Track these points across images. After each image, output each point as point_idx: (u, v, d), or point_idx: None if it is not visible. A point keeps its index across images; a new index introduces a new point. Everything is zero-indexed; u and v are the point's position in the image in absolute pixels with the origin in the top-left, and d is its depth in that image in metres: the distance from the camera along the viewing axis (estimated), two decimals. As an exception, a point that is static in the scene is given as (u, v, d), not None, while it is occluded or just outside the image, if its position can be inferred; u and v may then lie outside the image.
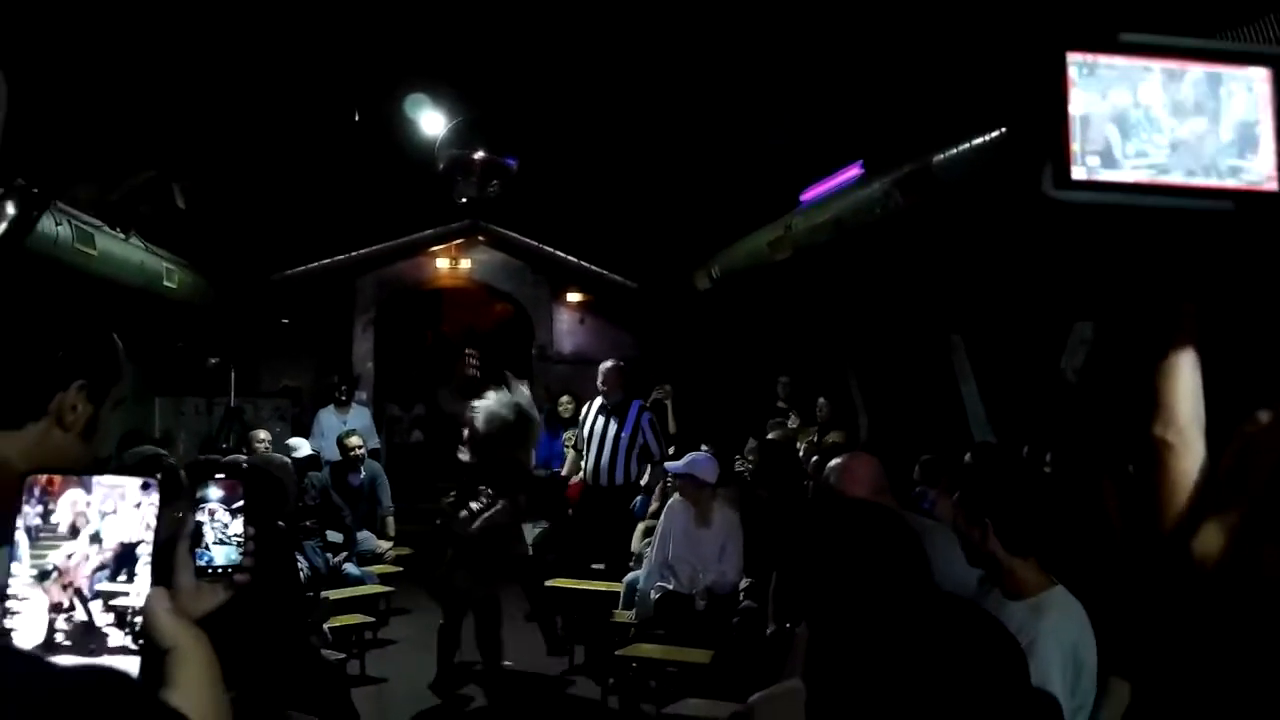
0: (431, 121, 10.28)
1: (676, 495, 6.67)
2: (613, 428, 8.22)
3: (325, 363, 13.22)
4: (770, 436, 8.08)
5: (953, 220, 6.82)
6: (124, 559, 1.42)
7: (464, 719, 6.55)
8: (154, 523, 1.44)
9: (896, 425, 8.96)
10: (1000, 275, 7.34)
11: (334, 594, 7.42)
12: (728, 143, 9.54)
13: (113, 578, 1.42)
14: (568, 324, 14.03)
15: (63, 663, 1.31)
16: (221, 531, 1.56)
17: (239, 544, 1.56)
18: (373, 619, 7.63)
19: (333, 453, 10.30)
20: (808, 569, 2.53)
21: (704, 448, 6.93)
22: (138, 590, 1.41)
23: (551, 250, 13.53)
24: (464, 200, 10.89)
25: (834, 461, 3.98)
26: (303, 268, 12.93)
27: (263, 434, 8.88)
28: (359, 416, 11.21)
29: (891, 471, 4.10)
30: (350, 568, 8.25)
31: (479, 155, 10.11)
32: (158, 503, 1.45)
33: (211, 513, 1.56)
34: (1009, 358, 7.86)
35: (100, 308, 1.73)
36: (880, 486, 3.71)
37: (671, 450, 9.36)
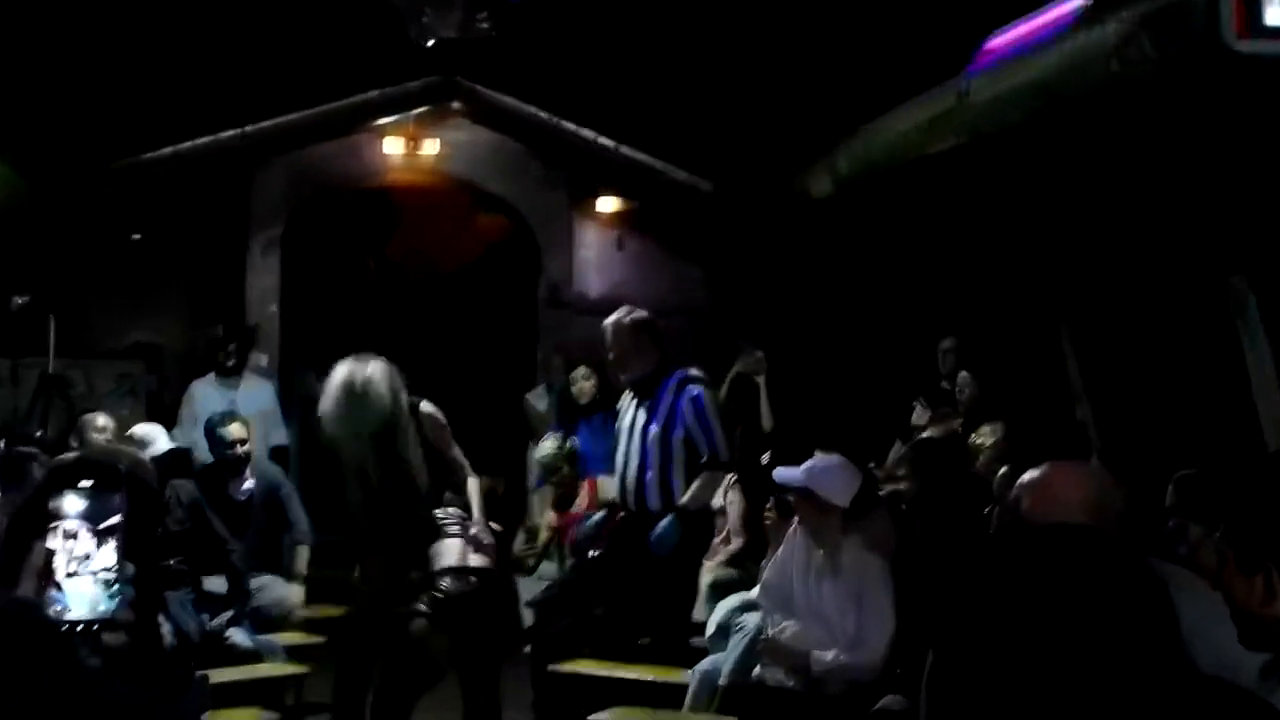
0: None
1: (795, 524, 6.76)
2: (640, 419, 8.28)
3: (202, 306, 13.38)
4: (927, 434, 8.12)
5: (1243, 91, 6.80)
6: None
7: None
8: None
9: (1137, 419, 8.97)
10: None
11: (215, 675, 7.57)
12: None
13: None
14: (597, 249, 14.10)
15: None
16: (82, 564, 1.61)
17: (110, 583, 1.61)
18: (276, 716, 7.78)
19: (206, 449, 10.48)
20: (982, 643, 2.59)
21: (826, 454, 6.98)
22: None
23: (573, 128, 13.58)
24: (433, 42, 10.95)
25: (1028, 475, 4.04)
26: (168, 150, 13.07)
27: (102, 419, 9.01)
28: (255, 393, 11.36)
29: (1127, 495, 4.15)
30: (239, 635, 8.41)
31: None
32: None
33: (70, 535, 1.61)
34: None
35: None
36: (1101, 514, 3.76)
37: (766, 458, 9.42)
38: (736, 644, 7.22)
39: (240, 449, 9.23)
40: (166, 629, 7.57)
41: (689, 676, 7.44)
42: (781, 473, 6.90)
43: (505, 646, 8.03)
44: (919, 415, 10.04)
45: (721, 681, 7.10)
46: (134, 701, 1.14)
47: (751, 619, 7.18)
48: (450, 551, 7.33)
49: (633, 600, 8.37)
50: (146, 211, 13.25)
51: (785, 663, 6.59)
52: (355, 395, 7.07)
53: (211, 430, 9.32)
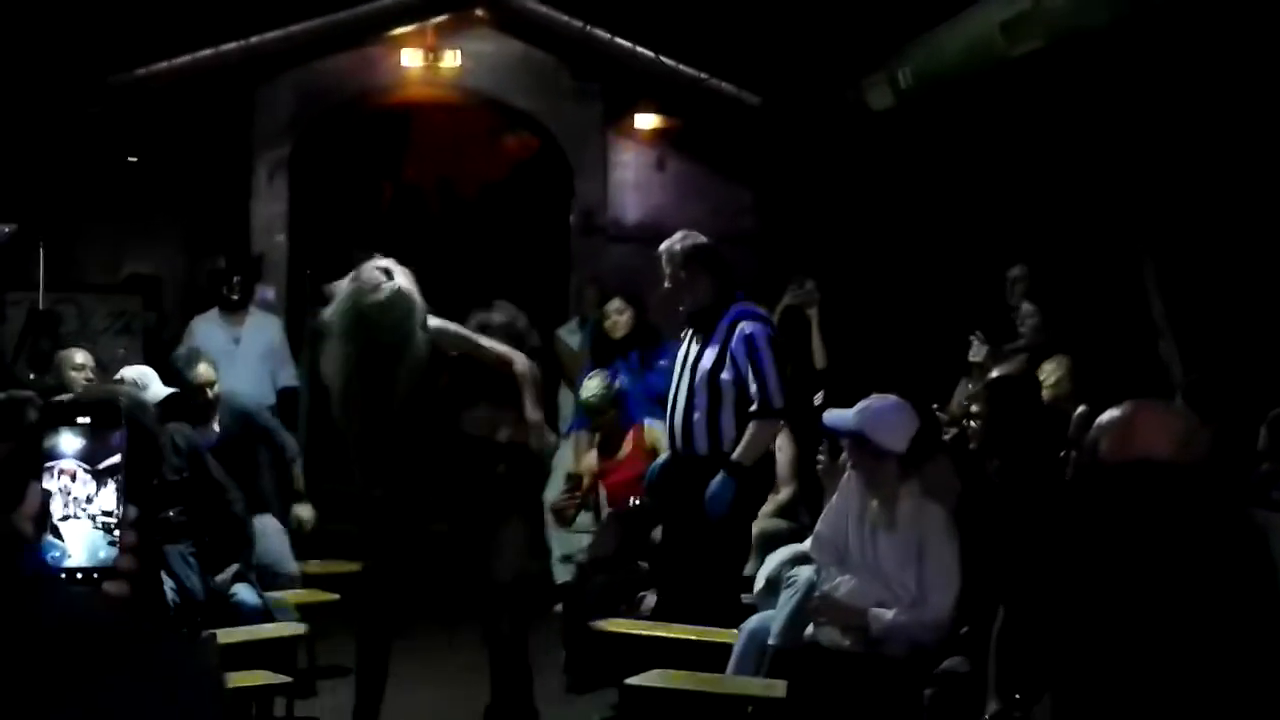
0: None
1: (850, 472, 6.76)
2: (693, 355, 8.32)
3: (203, 235, 13.42)
4: (997, 373, 8.08)
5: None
6: None
7: None
8: None
9: (1227, 356, 8.93)
10: None
11: (221, 635, 7.63)
12: None
13: None
14: (635, 170, 14.07)
15: None
16: (81, 508, 1.64)
17: (111, 528, 1.64)
18: (287, 680, 7.85)
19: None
20: (1060, 596, 2.59)
21: (881, 395, 6.97)
22: None
23: (608, 36, 13.54)
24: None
25: (1108, 415, 4.03)
26: (165, 64, 13.09)
27: (80, 355, 9.01)
28: (261, 329, 11.39)
29: (1215, 437, 4.14)
30: (245, 592, 8.46)
31: None
32: None
33: (67, 477, 1.64)
34: None
35: None
36: (1188, 458, 3.74)
37: (819, 399, 9.41)
38: (787, 601, 7.23)
39: (210, 393, 9.22)
40: (169, 586, 7.66)
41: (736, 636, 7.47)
42: (833, 416, 6.91)
43: (532, 589, 8.18)
44: (976, 351, 9.97)
45: (771, 641, 7.11)
46: (127, 635, 1.14)
47: (804, 573, 7.18)
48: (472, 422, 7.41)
49: (679, 554, 8.40)
50: (143, 132, 13.28)
51: (841, 621, 6.61)
52: (388, 293, 7.00)
53: (177, 373, 9.27)
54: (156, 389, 8.93)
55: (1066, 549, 2.32)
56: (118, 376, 8.97)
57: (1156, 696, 1.85)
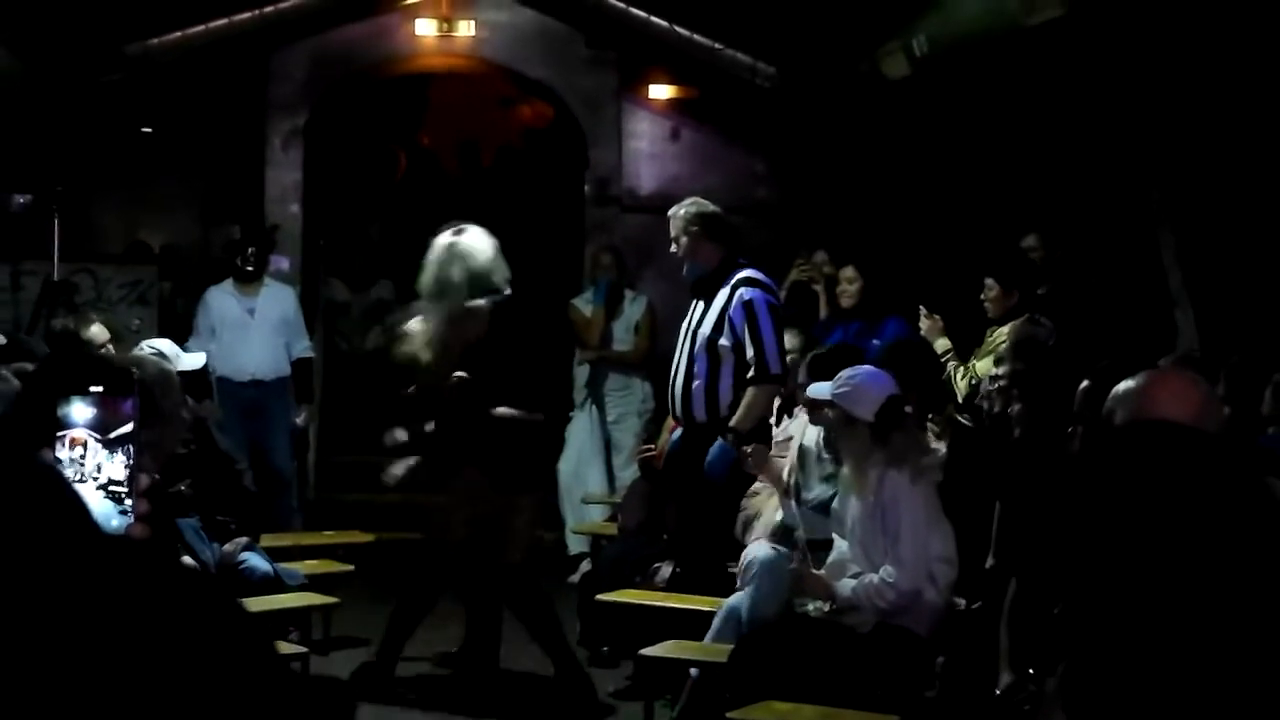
0: None
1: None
2: (694, 322, 8.38)
3: (217, 205, 13.42)
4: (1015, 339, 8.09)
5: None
6: None
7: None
8: None
9: (1244, 325, 8.91)
10: None
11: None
12: None
13: None
14: (650, 140, 14.04)
15: None
16: (91, 477, 1.63)
17: (121, 497, 1.63)
18: (303, 650, 7.88)
19: (231, 361, 10.61)
20: (1069, 563, 2.59)
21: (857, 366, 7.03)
22: None
23: (622, 5, 13.50)
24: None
25: (1125, 384, 4.02)
26: (178, 34, 13.08)
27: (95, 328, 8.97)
28: (276, 300, 11.41)
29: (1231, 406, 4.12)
30: (256, 559, 8.49)
31: None
32: None
33: (79, 447, 1.63)
34: None
35: None
36: (1208, 424, 3.74)
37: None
38: (747, 586, 7.29)
39: (104, 354, 8.92)
40: (184, 560, 7.69)
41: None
42: (815, 387, 7.02)
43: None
44: (925, 327, 9.84)
45: (745, 629, 7.16)
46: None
47: (759, 558, 7.25)
48: None
49: (687, 524, 8.43)
50: (157, 101, 13.28)
51: (811, 594, 6.69)
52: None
53: (69, 335, 9.04)
54: (185, 360, 8.91)
55: (1076, 515, 2.30)
56: (140, 347, 8.89)
57: (1167, 669, 1.85)
